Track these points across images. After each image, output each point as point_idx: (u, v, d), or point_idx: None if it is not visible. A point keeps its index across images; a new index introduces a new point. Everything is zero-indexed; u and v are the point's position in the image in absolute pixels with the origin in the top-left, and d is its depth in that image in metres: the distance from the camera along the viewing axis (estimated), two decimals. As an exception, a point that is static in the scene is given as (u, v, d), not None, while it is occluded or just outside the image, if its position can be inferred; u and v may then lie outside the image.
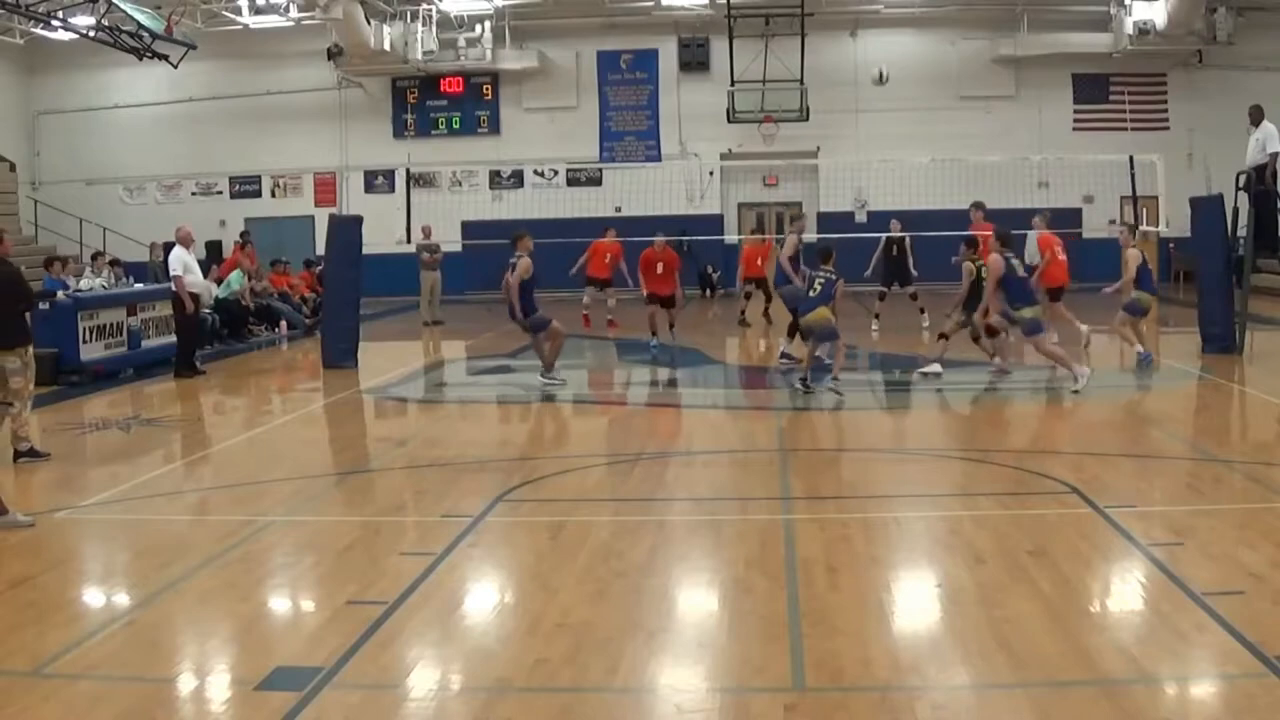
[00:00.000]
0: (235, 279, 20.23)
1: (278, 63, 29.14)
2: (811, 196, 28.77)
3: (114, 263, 21.26)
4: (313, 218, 28.45)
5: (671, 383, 15.13)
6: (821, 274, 12.66)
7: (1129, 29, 26.57)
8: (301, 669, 5.05)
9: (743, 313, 20.65)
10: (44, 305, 14.16)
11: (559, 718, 4.65)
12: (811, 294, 12.66)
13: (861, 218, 27.32)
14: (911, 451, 9.87)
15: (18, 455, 9.58)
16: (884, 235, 19.19)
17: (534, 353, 13.69)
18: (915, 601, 6.05)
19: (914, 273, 18.83)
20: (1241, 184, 15.23)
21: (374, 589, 6.18)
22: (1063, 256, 15.32)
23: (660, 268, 16.74)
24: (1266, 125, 15.10)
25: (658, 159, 29.12)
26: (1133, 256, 13.88)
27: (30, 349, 9.64)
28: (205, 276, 18.03)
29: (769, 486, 8.76)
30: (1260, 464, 8.96)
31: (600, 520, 7.63)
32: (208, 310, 17.95)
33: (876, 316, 19.21)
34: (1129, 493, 8.01)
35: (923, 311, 18.71)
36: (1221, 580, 5.92)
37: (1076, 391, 11.90)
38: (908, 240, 18.71)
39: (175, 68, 20.37)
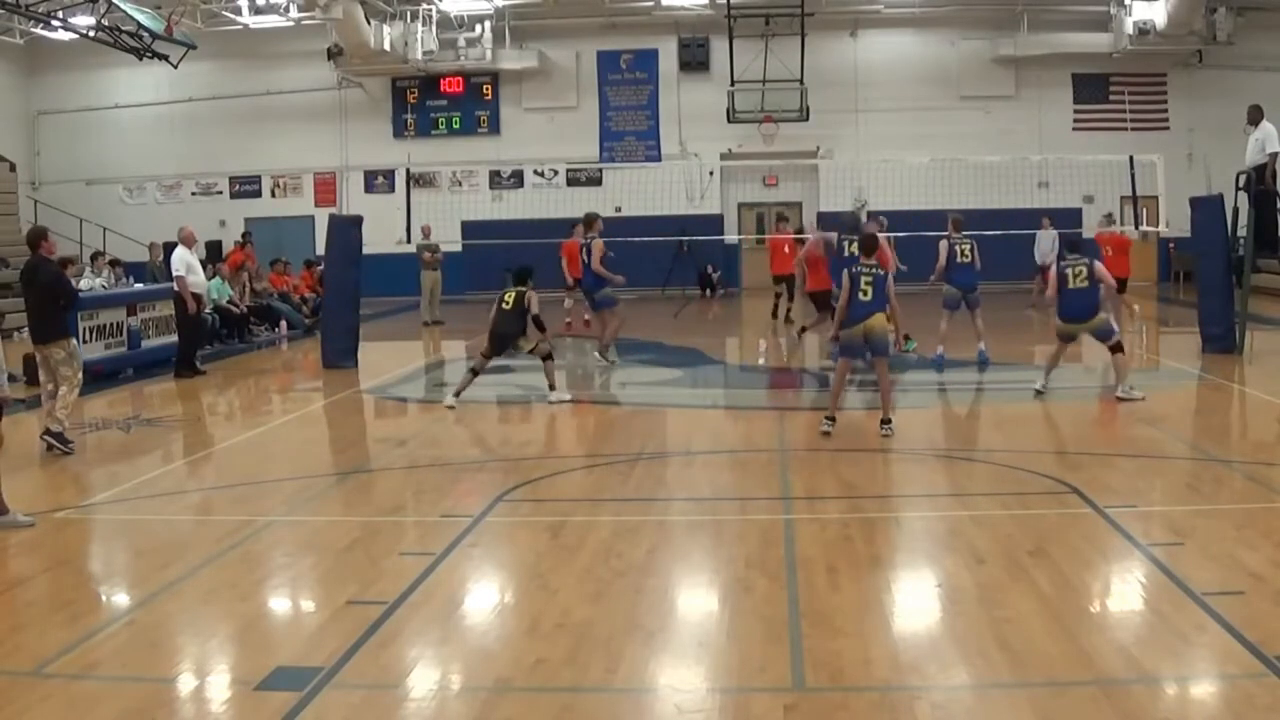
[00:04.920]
0: (215, 287, 19.02)
1: (278, 63, 29.12)
2: (811, 196, 28.76)
3: (114, 263, 21.26)
4: (313, 218, 28.44)
5: (671, 382, 15.11)
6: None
7: (1129, 29, 26.56)
8: (302, 669, 5.05)
9: (774, 312, 19.89)
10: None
11: (559, 718, 4.64)
12: None
13: (862, 218, 27.26)
14: (911, 451, 9.86)
15: (47, 433, 10.03)
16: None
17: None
18: (915, 601, 6.04)
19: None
20: (1241, 184, 15.23)
21: (374, 589, 6.18)
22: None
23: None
24: (1266, 125, 15.09)
25: (658, 159, 29.12)
26: (942, 247, 14.62)
27: (72, 341, 10.69)
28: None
29: (769, 486, 8.77)
30: (1260, 464, 8.96)
31: (600, 520, 7.63)
32: (209, 311, 17.92)
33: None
34: (1129, 493, 8.01)
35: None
36: (1221, 580, 5.92)
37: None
38: None
39: (175, 68, 20.39)
